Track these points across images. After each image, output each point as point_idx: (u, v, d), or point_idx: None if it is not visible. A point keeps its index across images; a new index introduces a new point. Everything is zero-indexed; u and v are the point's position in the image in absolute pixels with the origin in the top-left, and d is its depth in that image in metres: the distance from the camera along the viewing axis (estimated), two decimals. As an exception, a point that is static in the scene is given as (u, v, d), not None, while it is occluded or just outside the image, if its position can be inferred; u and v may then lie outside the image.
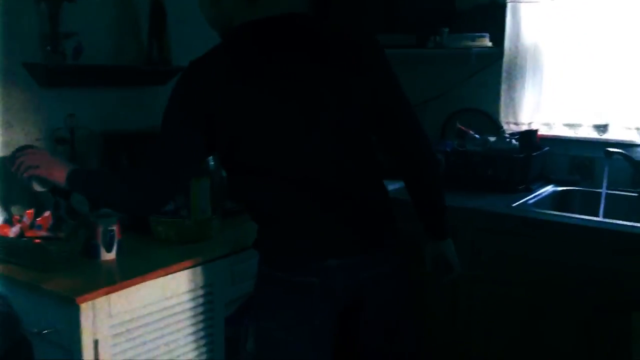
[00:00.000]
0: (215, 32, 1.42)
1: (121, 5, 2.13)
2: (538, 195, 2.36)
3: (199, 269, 1.71)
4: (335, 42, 1.33)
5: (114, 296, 1.50)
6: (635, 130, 2.33)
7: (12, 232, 1.68)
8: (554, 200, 2.41)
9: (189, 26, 2.22)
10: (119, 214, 1.69)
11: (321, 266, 1.34)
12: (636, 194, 2.31)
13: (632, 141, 2.34)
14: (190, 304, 1.71)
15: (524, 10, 2.51)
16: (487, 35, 2.59)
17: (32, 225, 1.71)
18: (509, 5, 2.53)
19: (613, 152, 2.21)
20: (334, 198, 1.34)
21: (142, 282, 1.56)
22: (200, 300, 1.73)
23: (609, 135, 2.40)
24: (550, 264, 2.01)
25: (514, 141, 2.47)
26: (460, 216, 2.19)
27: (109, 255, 1.68)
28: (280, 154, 1.30)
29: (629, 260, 1.87)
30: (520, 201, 2.26)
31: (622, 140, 2.36)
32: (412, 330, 1.52)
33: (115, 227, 1.68)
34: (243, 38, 1.31)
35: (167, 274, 1.62)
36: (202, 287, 1.73)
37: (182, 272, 1.67)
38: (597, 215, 2.18)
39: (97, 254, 1.67)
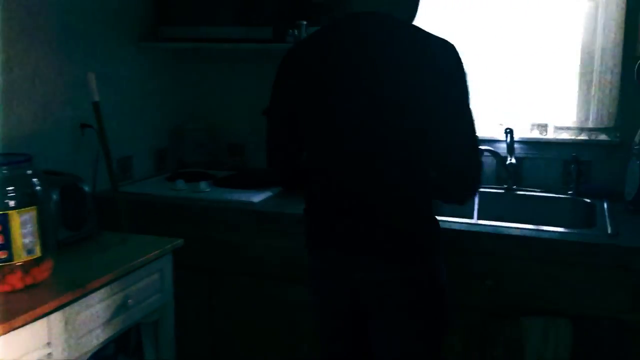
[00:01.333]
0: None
1: None
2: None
3: (30, 327, 1.34)
4: (420, 48, 1.36)
5: None
6: (499, 126, 2.32)
7: None
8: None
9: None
10: None
11: (323, 254, 1.52)
12: (502, 190, 2.31)
13: (495, 137, 2.33)
14: (23, 374, 1.33)
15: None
16: (347, 28, 2.43)
17: None
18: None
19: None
20: (364, 200, 1.43)
21: (-53, 360, 1.15)
22: (36, 367, 1.36)
23: (474, 132, 2.37)
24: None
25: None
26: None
27: None
28: (337, 142, 1.43)
29: (508, 264, 1.82)
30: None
31: (485, 137, 2.34)
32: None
33: None
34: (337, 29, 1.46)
35: (-15, 341, 1.23)
36: (36, 350, 1.36)
37: (7, 335, 1.27)
38: (470, 217, 2.12)
39: None
